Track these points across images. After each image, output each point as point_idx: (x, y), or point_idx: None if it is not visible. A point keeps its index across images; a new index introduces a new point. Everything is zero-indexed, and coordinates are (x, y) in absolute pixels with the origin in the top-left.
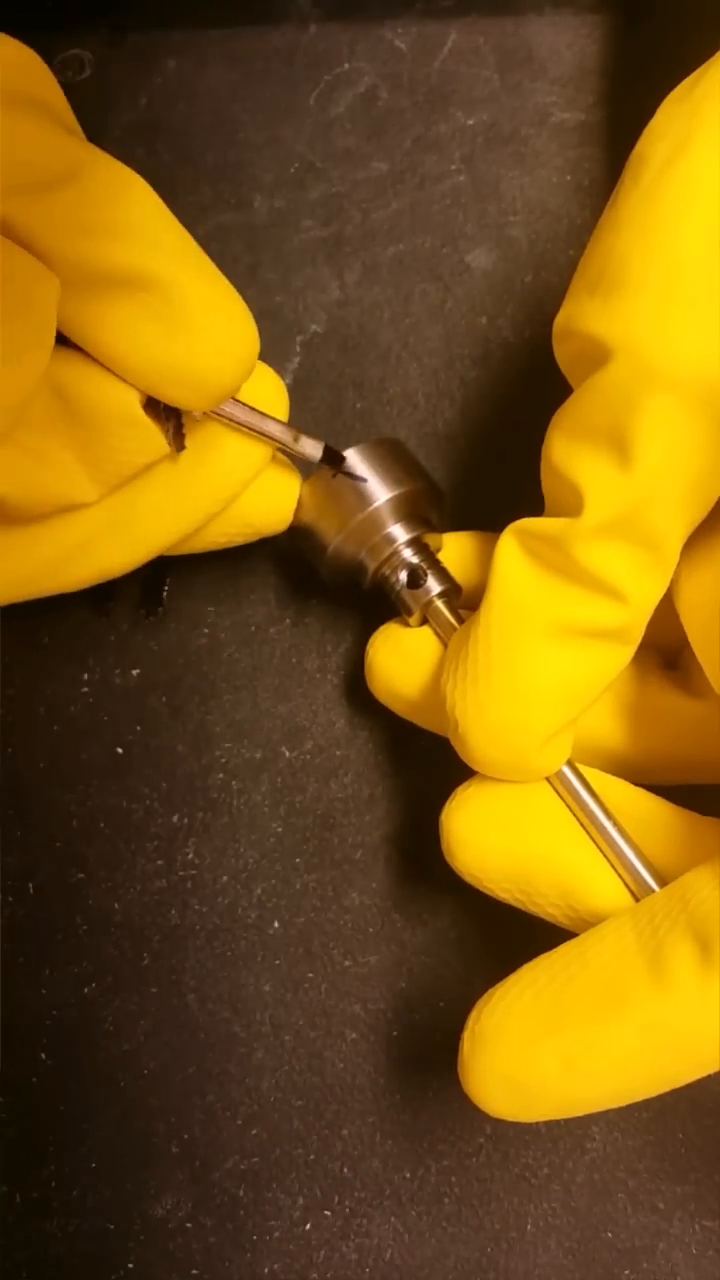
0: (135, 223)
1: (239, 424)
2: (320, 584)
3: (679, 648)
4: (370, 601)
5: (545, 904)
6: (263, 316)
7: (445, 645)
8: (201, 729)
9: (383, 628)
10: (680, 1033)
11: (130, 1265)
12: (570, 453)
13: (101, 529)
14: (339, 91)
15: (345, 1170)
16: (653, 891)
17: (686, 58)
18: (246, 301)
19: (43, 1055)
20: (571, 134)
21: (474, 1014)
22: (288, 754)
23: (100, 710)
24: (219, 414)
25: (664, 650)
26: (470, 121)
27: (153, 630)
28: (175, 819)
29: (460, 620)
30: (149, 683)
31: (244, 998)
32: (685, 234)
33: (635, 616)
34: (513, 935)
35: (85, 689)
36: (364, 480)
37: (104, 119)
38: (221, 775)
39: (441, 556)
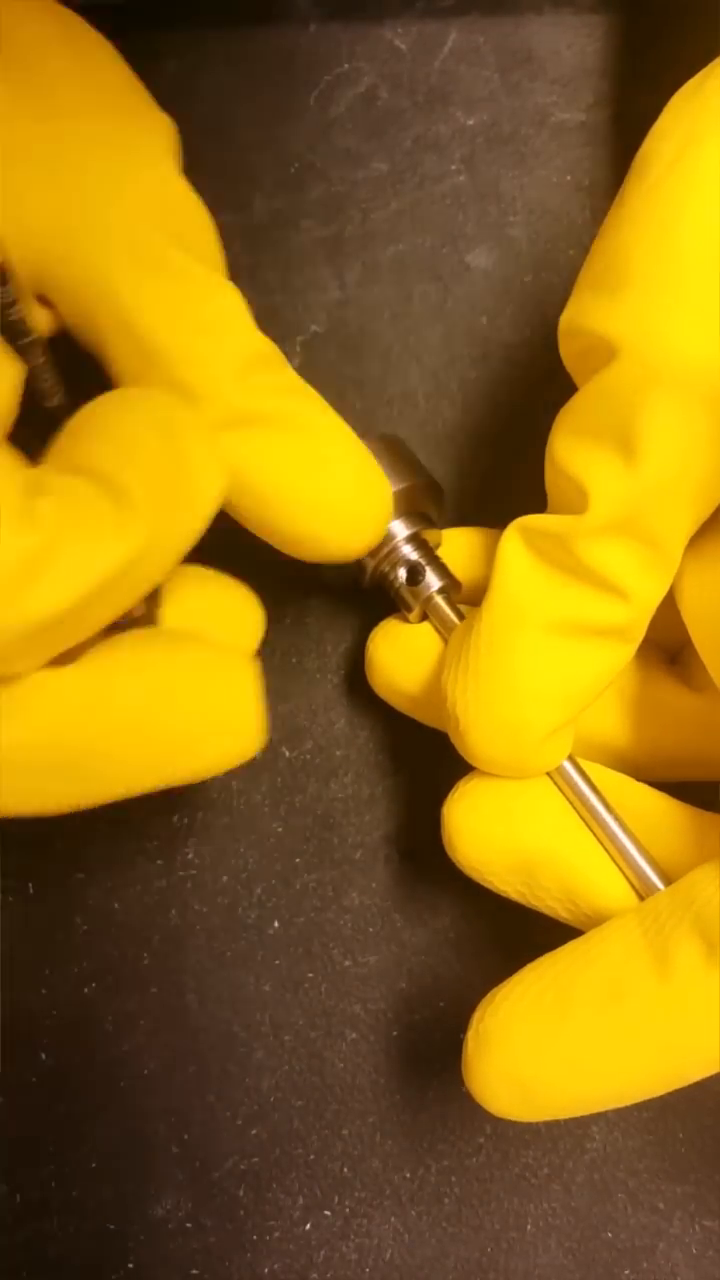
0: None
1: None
2: (320, 583)
3: (680, 643)
4: (370, 601)
5: (547, 897)
6: (263, 316)
7: (445, 641)
8: None
9: (383, 623)
10: (686, 1032)
11: (130, 1265)
12: (575, 450)
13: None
14: (339, 91)
15: (345, 1170)
16: (655, 886)
17: (687, 58)
18: (247, 302)
19: (43, 1055)
20: (571, 134)
21: (478, 1013)
22: (288, 754)
23: None
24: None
25: (665, 646)
26: (470, 121)
27: None
28: (175, 819)
29: (460, 616)
30: None
31: (244, 998)
32: (691, 231)
33: (638, 615)
34: (513, 935)
35: None
36: None
37: None
38: (221, 775)
39: (441, 552)
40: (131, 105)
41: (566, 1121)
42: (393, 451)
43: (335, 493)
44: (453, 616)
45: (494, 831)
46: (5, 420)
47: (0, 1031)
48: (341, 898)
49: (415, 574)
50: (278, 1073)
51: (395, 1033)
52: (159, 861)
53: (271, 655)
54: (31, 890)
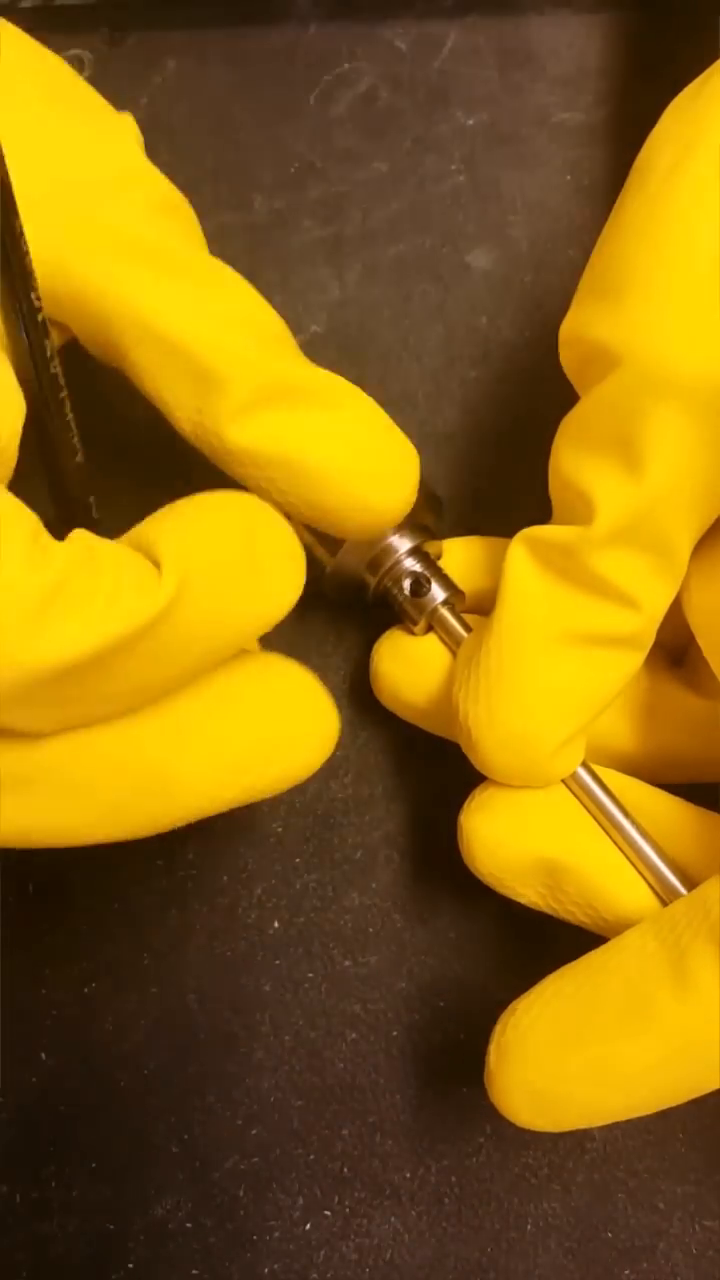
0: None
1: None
2: (321, 592)
3: (685, 644)
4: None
5: (568, 903)
6: None
7: (452, 652)
8: None
9: (386, 636)
10: (706, 1041)
11: (130, 1265)
12: (579, 461)
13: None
14: (339, 91)
15: (345, 1170)
16: (677, 890)
17: (687, 58)
18: None
19: (43, 1055)
20: (571, 134)
21: (499, 1026)
22: None
23: None
24: None
25: (669, 647)
26: (470, 121)
27: None
28: None
29: (466, 627)
30: None
31: (244, 998)
32: (691, 239)
33: (647, 623)
34: (513, 936)
35: None
36: None
37: None
38: None
39: (443, 563)
40: (93, 104)
41: None
42: None
43: (373, 457)
44: (459, 628)
45: (512, 840)
46: (8, 460)
47: (0, 1031)
48: (341, 898)
49: (419, 586)
50: (278, 1073)
51: (395, 1033)
52: (159, 861)
53: None
54: (31, 890)
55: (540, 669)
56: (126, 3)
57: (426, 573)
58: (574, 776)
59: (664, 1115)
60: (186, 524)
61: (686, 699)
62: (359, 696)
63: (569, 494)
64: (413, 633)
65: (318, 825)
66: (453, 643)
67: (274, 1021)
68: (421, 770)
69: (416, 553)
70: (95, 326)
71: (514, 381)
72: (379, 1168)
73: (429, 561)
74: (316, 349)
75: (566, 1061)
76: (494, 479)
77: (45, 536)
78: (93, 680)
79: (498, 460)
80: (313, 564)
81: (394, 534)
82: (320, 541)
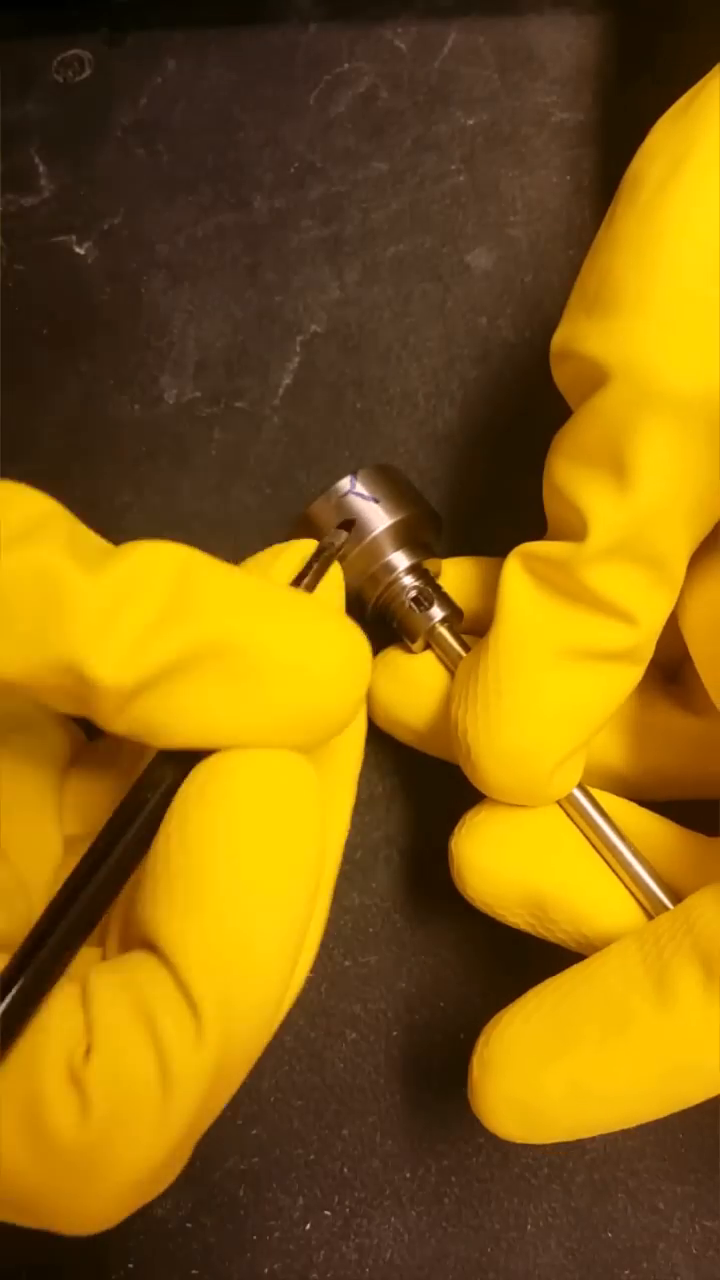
0: (174, 597)
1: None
2: None
3: (678, 661)
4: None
5: (557, 930)
6: (263, 316)
7: (450, 670)
8: None
9: (381, 655)
10: (686, 1055)
11: (130, 1265)
12: (572, 475)
13: None
14: (339, 91)
15: (345, 1170)
16: (668, 910)
17: (686, 58)
18: (246, 302)
19: None
20: (571, 134)
21: (482, 1038)
22: None
23: None
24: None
25: (663, 665)
26: (470, 121)
27: None
28: None
29: (464, 645)
30: None
31: None
32: (682, 254)
33: (644, 637)
34: (513, 936)
35: None
36: (374, 500)
37: (104, 119)
38: None
39: (441, 581)
40: None
41: None
42: (389, 480)
43: (303, 697)
44: (457, 646)
45: (503, 867)
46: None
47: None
48: (341, 898)
49: (419, 604)
50: (278, 1073)
51: (395, 1033)
52: None
53: None
54: None
55: (539, 685)
56: (126, 3)
57: (427, 590)
58: (569, 797)
59: (663, 1116)
60: (207, 937)
61: (679, 717)
62: None
63: (563, 508)
64: (411, 650)
65: None
66: (450, 661)
67: None
68: (421, 770)
69: (416, 570)
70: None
71: (514, 381)
72: (379, 1168)
73: (429, 579)
74: (316, 349)
75: (548, 1074)
76: (493, 478)
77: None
78: None
79: (497, 460)
80: None
81: (394, 551)
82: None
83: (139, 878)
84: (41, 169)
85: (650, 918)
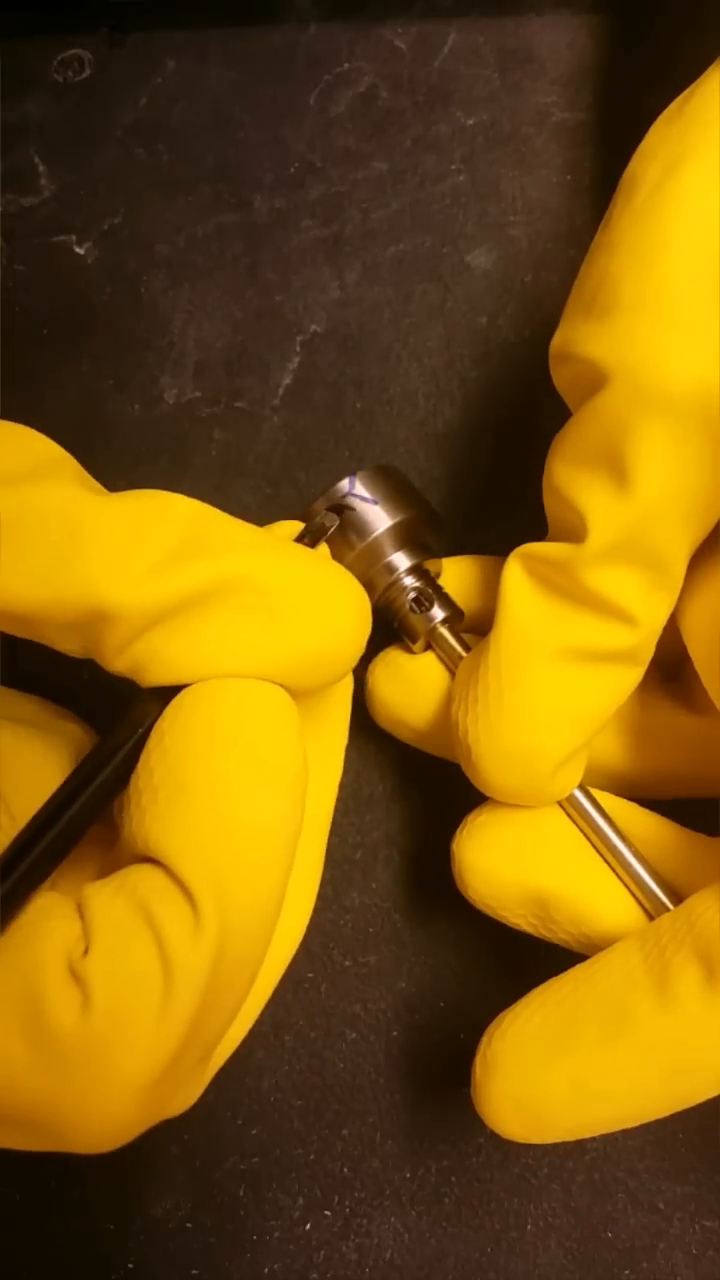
0: (189, 536)
1: None
2: None
3: (678, 660)
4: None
5: (559, 930)
6: (263, 316)
7: (450, 671)
8: None
9: (381, 656)
10: (688, 1054)
11: (130, 1265)
12: (571, 477)
13: None
14: (339, 91)
15: (345, 1170)
16: (669, 911)
17: (686, 57)
18: (246, 302)
19: None
20: (571, 134)
21: (485, 1039)
22: None
23: None
24: None
25: (663, 664)
26: (470, 121)
27: None
28: None
29: (465, 646)
30: None
31: None
32: (679, 255)
33: (645, 637)
34: (513, 936)
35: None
36: (374, 501)
37: (104, 119)
38: None
39: (442, 582)
40: None
41: None
42: (390, 481)
43: (305, 639)
44: (458, 647)
45: (505, 868)
46: None
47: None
48: (341, 898)
49: (420, 604)
50: (278, 1073)
51: (395, 1033)
52: None
53: None
54: None
55: (540, 686)
56: (126, 3)
57: (428, 590)
58: (570, 798)
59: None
60: (205, 839)
61: (679, 716)
62: (358, 698)
63: (563, 509)
64: (411, 651)
65: None
66: (451, 662)
67: (274, 1021)
68: (422, 770)
69: (417, 570)
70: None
71: (514, 381)
72: (379, 1168)
73: (430, 580)
74: (316, 349)
75: (550, 1073)
76: (493, 479)
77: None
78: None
79: (498, 460)
80: None
81: (395, 551)
82: None
83: (123, 808)
84: (41, 169)
85: (651, 918)
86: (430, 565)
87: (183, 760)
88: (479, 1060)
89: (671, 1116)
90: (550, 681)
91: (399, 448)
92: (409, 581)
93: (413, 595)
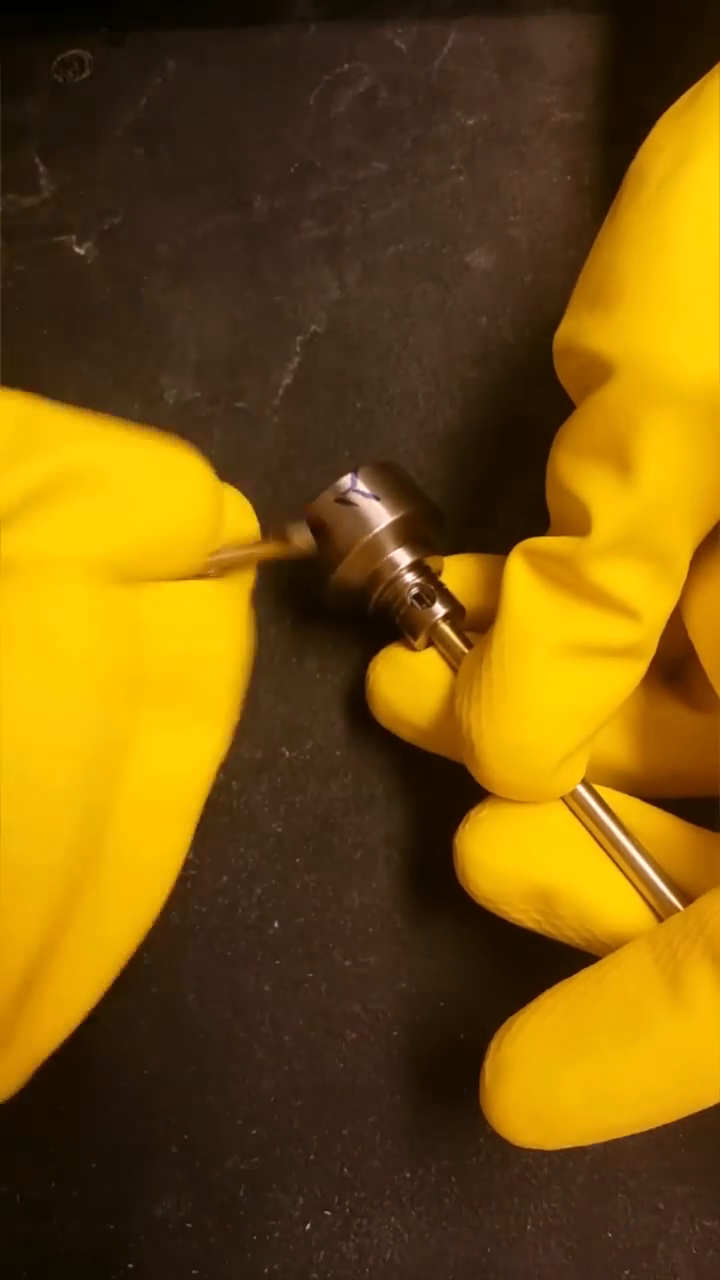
0: (18, 434)
1: (232, 563)
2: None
3: (681, 658)
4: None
5: (564, 927)
6: (263, 316)
7: (452, 667)
8: None
9: (382, 653)
10: (702, 1057)
11: (130, 1265)
12: (575, 470)
13: None
14: (339, 91)
15: (345, 1170)
16: (675, 908)
17: (686, 58)
18: (246, 302)
19: None
20: (571, 134)
21: (494, 1043)
22: (288, 754)
23: None
24: (214, 562)
25: (666, 662)
26: (470, 121)
27: None
28: None
29: (467, 642)
30: None
31: (244, 998)
32: (685, 248)
33: (648, 632)
34: (513, 936)
35: None
36: (376, 497)
37: (104, 119)
38: (221, 775)
39: (443, 578)
40: None
41: None
42: (390, 478)
43: (159, 523)
44: (459, 643)
45: (508, 864)
46: None
47: None
48: (341, 898)
49: (421, 601)
50: (278, 1073)
51: (395, 1033)
52: None
53: (271, 656)
54: None
55: (543, 681)
56: (126, 3)
57: (429, 587)
58: (573, 794)
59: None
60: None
61: (682, 714)
62: (359, 697)
63: (566, 503)
64: (413, 647)
65: (318, 825)
66: (453, 658)
67: (274, 1021)
68: (421, 770)
69: (418, 567)
70: None
71: (514, 381)
72: (379, 1168)
73: (431, 576)
74: (316, 349)
75: (562, 1078)
76: (493, 478)
77: None
78: None
79: (497, 460)
80: (314, 576)
81: (396, 548)
82: (322, 554)
83: None
84: (41, 169)
85: (655, 913)
86: (432, 562)
87: None
88: (489, 1065)
89: None
90: (553, 676)
91: (399, 447)
92: (410, 578)
93: (414, 591)
